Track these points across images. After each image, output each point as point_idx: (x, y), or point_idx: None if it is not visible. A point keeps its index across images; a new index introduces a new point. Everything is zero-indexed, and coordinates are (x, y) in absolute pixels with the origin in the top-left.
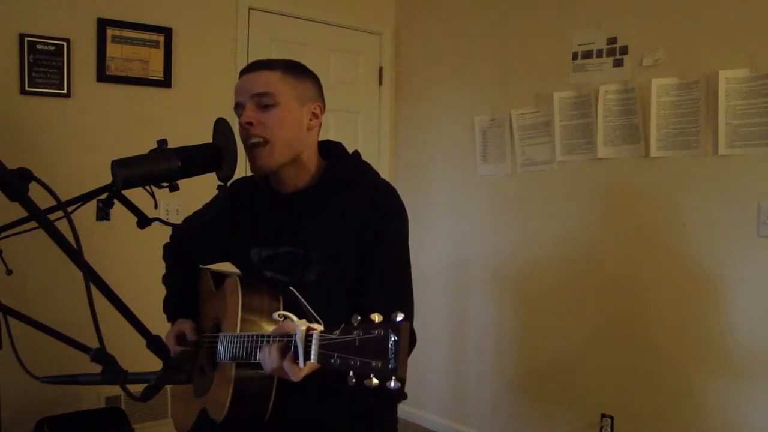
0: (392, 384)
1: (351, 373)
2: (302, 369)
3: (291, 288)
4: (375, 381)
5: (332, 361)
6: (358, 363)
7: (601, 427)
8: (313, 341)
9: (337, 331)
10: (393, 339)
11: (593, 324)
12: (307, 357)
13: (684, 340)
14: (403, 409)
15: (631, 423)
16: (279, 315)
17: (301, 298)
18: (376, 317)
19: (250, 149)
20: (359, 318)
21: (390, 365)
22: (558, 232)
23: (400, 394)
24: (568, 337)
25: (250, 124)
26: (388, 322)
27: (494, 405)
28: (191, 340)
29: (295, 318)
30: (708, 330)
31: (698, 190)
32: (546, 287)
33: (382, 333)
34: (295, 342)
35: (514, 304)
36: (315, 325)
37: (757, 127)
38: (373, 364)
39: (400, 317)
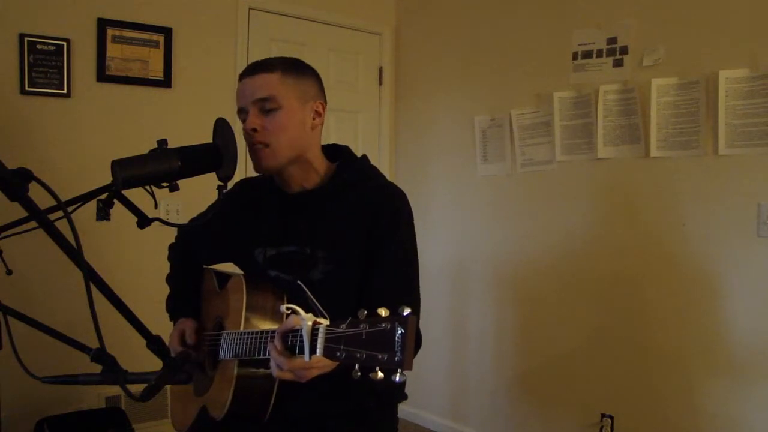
0: (398, 377)
1: (356, 367)
2: (310, 368)
3: (299, 282)
4: (380, 374)
5: (338, 354)
6: (365, 356)
7: (601, 427)
8: (320, 334)
9: (344, 325)
10: (400, 332)
11: (593, 324)
12: (312, 351)
13: (684, 339)
14: (403, 409)
15: (631, 423)
16: (286, 308)
17: (308, 291)
18: (383, 311)
19: (253, 151)
20: (366, 312)
21: (397, 357)
22: (558, 232)
23: (401, 393)
24: (568, 337)
25: (255, 130)
26: (395, 316)
27: (494, 405)
28: (191, 343)
29: (302, 312)
30: (708, 330)
31: (698, 190)
32: (546, 287)
33: (389, 326)
34: (301, 335)
35: (514, 304)
36: (321, 320)
37: (757, 127)
38: (380, 356)
39: (407, 311)
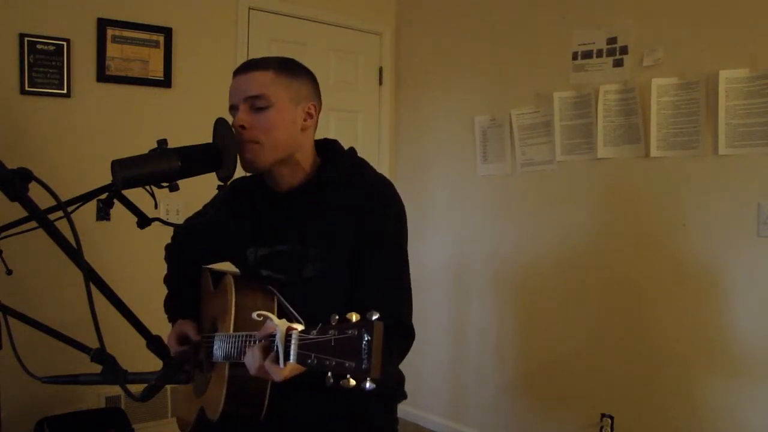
0: (367, 385)
1: (329, 374)
2: (284, 369)
3: (270, 287)
4: (352, 381)
5: (309, 361)
6: (334, 363)
7: (601, 427)
8: (293, 341)
9: (315, 331)
10: (366, 339)
11: (593, 323)
12: (286, 357)
13: (684, 339)
14: (403, 409)
15: (631, 423)
16: (258, 315)
17: (280, 296)
18: (353, 316)
19: (242, 148)
20: (337, 317)
21: (363, 365)
22: (558, 232)
23: (401, 393)
24: (568, 337)
25: (243, 127)
26: (363, 321)
27: (494, 405)
28: (195, 340)
29: (275, 318)
30: (708, 329)
31: (698, 190)
32: (546, 287)
33: (355, 333)
34: (276, 342)
35: (514, 303)
36: (295, 325)
37: (757, 127)
38: (347, 364)
39: (375, 316)
